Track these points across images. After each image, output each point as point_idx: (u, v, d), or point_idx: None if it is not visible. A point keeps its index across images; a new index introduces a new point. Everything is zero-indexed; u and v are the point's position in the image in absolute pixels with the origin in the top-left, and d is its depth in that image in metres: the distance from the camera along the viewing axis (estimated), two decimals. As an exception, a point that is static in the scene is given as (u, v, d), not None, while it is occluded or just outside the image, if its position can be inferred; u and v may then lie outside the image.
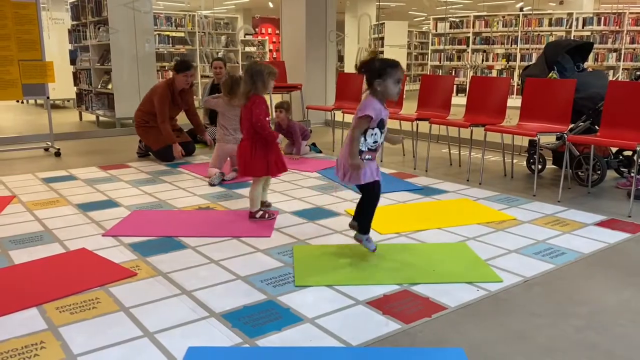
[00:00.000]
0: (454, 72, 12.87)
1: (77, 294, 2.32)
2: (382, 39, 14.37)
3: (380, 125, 2.60)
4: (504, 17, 12.17)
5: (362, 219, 2.74)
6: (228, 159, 4.61)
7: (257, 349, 1.91)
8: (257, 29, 21.24)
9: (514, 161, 4.99)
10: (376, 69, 2.54)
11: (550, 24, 11.63)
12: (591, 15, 11.53)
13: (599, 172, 4.26)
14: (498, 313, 2.21)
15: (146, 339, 1.97)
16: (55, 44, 9.49)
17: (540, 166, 4.72)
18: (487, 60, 12.43)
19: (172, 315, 2.15)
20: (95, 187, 4.21)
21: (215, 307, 2.21)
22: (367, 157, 2.62)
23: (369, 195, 2.69)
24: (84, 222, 3.35)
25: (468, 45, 12.65)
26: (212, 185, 4.29)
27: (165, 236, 3.06)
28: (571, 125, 4.30)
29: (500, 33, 12.15)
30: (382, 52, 14.12)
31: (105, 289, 2.38)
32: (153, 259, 2.72)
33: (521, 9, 12.67)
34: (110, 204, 3.75)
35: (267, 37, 17.83)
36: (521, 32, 11.79)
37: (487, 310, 2.23)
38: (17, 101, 10.94)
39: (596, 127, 4.19)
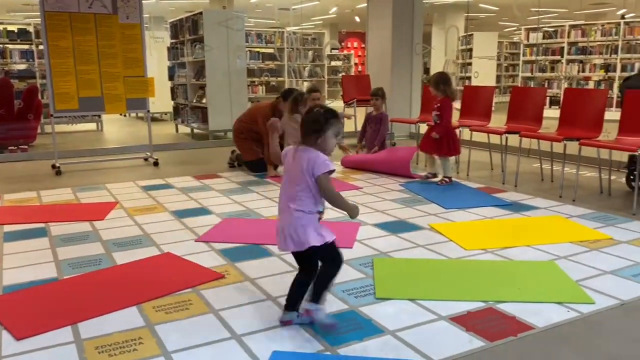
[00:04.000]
0: (546, 83, 12.33)
1: (171, 295, 2.48)
2: (470, 50, 14.07)
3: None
4: (602, 25, 11.52)
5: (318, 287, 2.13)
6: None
7: (339, 357, 1.95)
8: (342, 43, 21.53)
9: (612, 177, 4.70)
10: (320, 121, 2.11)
11: (655, 32, 10.87)
12: (703, 21, 10.65)
13: None
14: (591, 336, 2.10)
15: (233, 341, 2.07)
16: (156, 61, 10.16)
17: (641, 183, 4.42)
18: (583, 71, 11.80)
19: (258, 319, 2.24)
20: (189, 195, 4.47)
21: (298, 314, 2.27)
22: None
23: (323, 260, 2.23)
24: (179, 228, 3.56)
25: (562, 56, 12.09)
26: None
27: (253, 243, 3.19)
28: (677, 140, 4.00)
29: (598, 42, 11.51)
30: (470, 64, 13.84)
31: (197, 291, 2.52)
32: (241, 265, 2.85)
33: (623, 17, 11.93)
34: (202, 211, 3.96)
35: (352, 51, 18.04)
36: (622, 41, 11.10)
37: (579, 332, 2.13)
38: (120, 114, 11.79)
39: None
